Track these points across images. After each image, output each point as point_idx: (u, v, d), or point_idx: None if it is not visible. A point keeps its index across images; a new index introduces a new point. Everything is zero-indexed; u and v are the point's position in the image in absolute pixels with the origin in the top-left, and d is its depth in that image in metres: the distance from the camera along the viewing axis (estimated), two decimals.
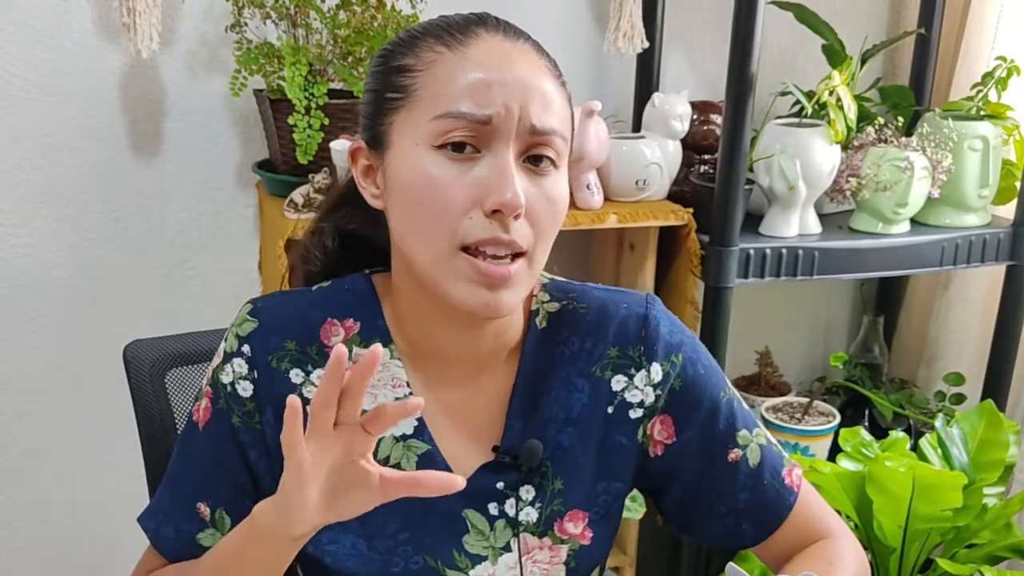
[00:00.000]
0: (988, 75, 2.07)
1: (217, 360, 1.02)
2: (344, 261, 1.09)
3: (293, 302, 1.03)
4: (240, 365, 0.99)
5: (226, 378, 1.00)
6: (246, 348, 0.99)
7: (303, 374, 0.99)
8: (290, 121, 1.74)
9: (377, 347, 0.80)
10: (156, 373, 1.24)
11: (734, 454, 1.06)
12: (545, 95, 0.91)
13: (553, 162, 0.92)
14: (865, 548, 1.36)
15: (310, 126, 1.75)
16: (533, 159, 0.91)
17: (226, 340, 1.01)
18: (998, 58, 2.06)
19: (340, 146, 1.73)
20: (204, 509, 1.01)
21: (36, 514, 2.08)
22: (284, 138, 1.80)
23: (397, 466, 1.00)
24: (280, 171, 1.86)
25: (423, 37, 0.94)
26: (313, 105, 1.74)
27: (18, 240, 1.92)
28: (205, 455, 1.01)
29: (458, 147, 0.89)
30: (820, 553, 1.06)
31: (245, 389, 0.99)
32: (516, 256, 0.91)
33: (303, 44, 1.81)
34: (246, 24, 1.81)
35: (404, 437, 1.00)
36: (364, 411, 0.96)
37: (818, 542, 1.08)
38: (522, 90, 0.90)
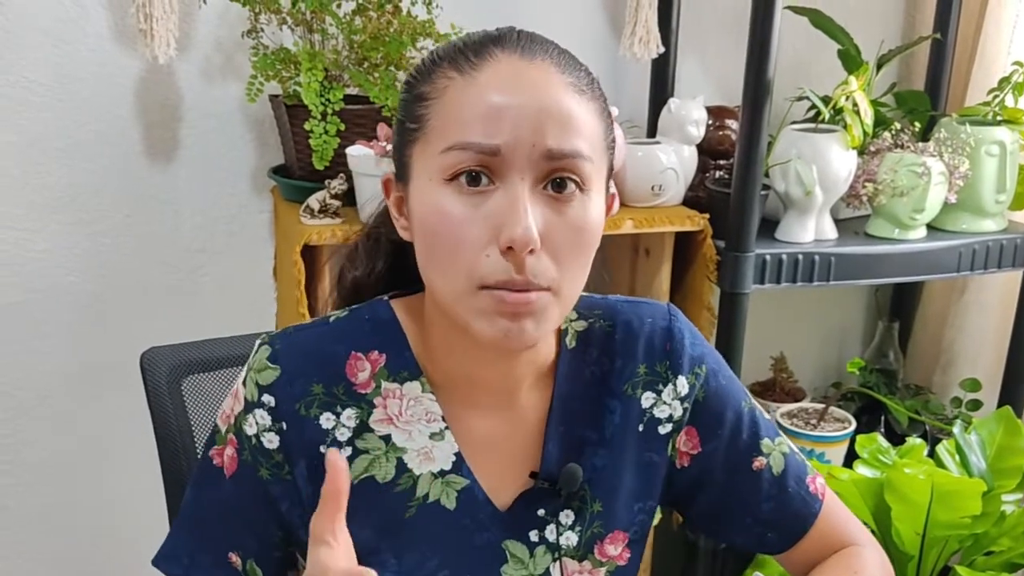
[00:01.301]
0: (1005, 80, 2.06)
1: (237, 406, 0.96)
2: (388, 272, 1.05)
3: (313, 339, 0.97)
4: (263, 417, 0.94)
5: (250, 429, 0.95)
6: (267, 398, 0.94)
7: (334, 417, 0.95)
8: (306, 127, 1.74)
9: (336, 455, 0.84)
10: (173, 380, 1.23)
11: (758, 462, 1.06)
12: (564, 116, 0.85)
13: (579, 185, 0.86)
14: None
15: (326, 132, 1.74)
16: (556, 184, 0.86)
17: (245, 385, 0.95)
18: (1015, 63, 2.05)
19: (357, 152, 1.73)
20: (236, 559, 0.98)
21: (47, 518, 2.08)
22: (300, 144, 1.80)
23: (437, 503, 0.97)
24: (296, 177, 1.86)
25: (440, 62, 0.89)
26: (329, 111, 1.74)
27: (33, 245, 1.92)
28: (233, 506, 0.97)
29: (474, 179, 0.84)
30: (845, 562, 1.05)
31: (271, 441, 0.94)
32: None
33: (319, 50, 1.81)
34: (262, 30, 1.81)
35: (443, 473, 0.97)
36: (400, 447, 0.96)
37: (842, 550, 1.08)
38: (535, 114, 0.84)
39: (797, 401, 2.27)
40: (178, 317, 2.04)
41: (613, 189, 0.96)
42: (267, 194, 2.03)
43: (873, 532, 1.78)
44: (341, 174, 1.75)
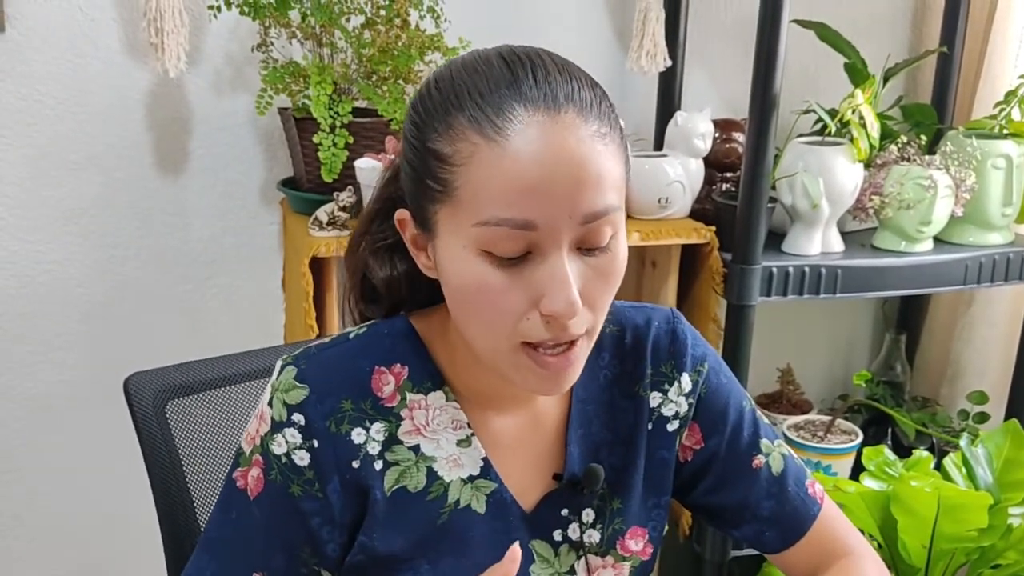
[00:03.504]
0: (1011, 93, 2.07)
1: (263, 427, 0.96)
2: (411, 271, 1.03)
3: (337, 357, 0.97)
4: (293, 435, 0.94)
5: (279, 449, 0.94)
6: (297, 417, 0.94)
7: (364, 432, 0.96)
8: (315, 139, 1.75)
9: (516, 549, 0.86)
10: (158, 405, 1.22)
11: (757, 461, 1.09)
12: (595, 174, 0.83)
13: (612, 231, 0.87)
14: (889, 568, 1.36)
15: (335, 144, 1.76)
16: (592, 237, 0.86)
17: (271, 405, 0.95)
18: (1021, 76, 2.06)
19: (365, 164, 1.74)
20: None
21: (59, 527, 2.09)
22: (309, 156, 1.82)
23: (468, 507, 0.98)
24: (304, 189, 1.87)
25: (455, 114, 0.84)
26: (338, 124, 1.75)
27: (44, 257, 1.94)
28: (259, 527, 0.97)
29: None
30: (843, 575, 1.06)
31: (302, 459, 0.94)
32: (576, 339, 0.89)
33: (328, 63, 1.82)
34: (272, 43, 1.83)
35: (472, 478, 0.99)
36: (429, 456, 0.97)
37: (840, 562, 1.08)
38: (570, 185, 0.82)
39: (804, 413, 2.27)
40: (188, 328, 2.05)
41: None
42: (276, 206, 2.05)
43: (879, 545, 1.79)
44: (349, 186, 1.77)
